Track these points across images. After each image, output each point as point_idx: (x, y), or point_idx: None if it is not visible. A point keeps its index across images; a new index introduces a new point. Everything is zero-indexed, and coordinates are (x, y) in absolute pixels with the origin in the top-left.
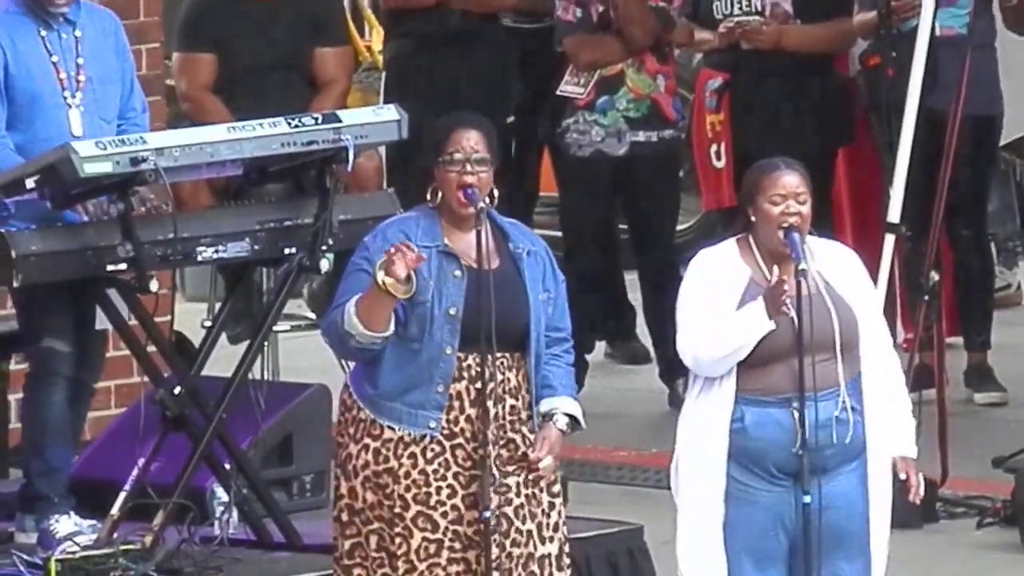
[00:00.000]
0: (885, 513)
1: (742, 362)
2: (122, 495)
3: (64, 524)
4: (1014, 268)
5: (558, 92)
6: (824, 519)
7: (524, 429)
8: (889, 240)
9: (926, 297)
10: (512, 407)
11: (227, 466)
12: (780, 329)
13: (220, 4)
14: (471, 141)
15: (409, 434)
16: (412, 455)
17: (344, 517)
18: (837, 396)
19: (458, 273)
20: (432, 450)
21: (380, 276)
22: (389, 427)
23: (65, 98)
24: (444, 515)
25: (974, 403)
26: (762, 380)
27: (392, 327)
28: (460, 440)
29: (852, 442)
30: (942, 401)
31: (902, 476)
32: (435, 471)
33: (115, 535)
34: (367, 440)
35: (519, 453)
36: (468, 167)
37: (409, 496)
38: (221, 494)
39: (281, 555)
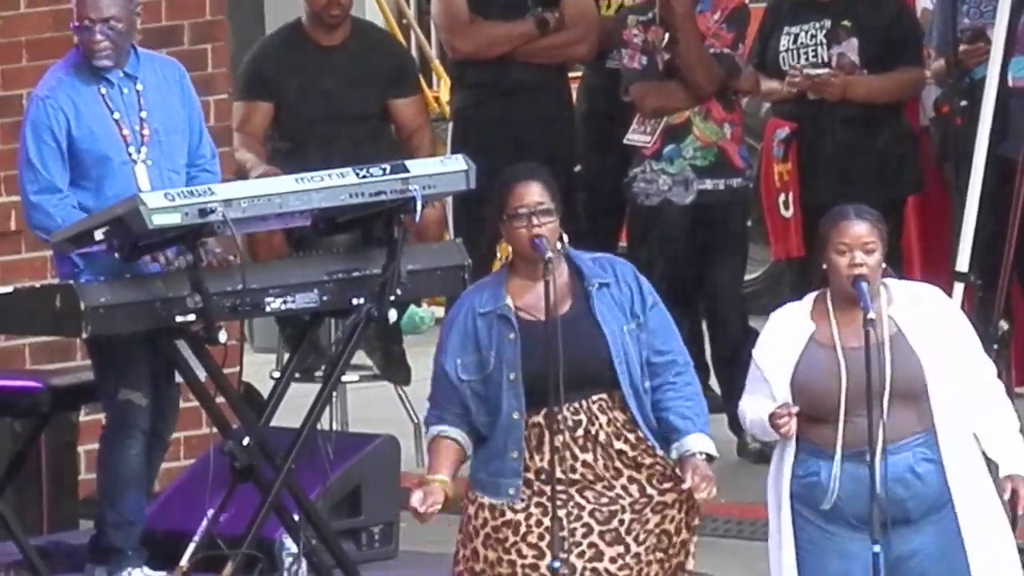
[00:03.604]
0: (993, 558)
1: (808, 417)
2: (191, 546)
3: None
4: None
5: (625, 141)
6: (914, 567)
7: (649, 459)
8: (958, 289)
9: (995, 346)
10: (639, 438)
11: (296, 517)
12: (832, 383)
13: (286, 52)
14: (533, 195)
15: (515, 502)
16: (535, 504)
17: None
18: (905, 448)
19: (512, 336)
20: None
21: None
22: (481, 496)
23: (130, 154)
24: (581, 555)
25: None
26: (829, 434)
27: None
28: (583, 483)
29: (929, 494)
30: None
31: (1006, 495)
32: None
33: None
34: (480, 502)
35: (662, 473)
36: (534, 220)
37: (532, 544)
38: (290, 545)
39: None
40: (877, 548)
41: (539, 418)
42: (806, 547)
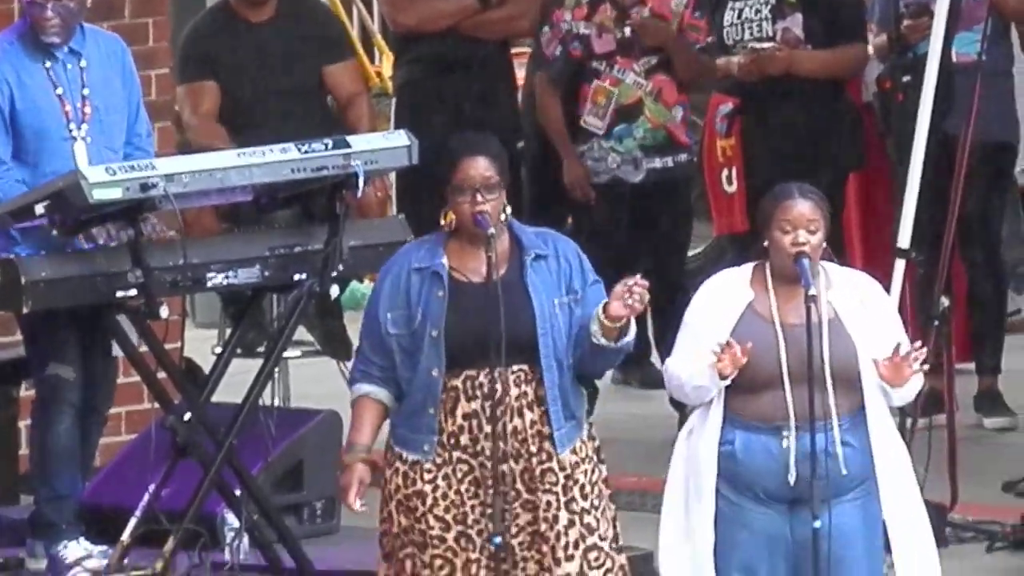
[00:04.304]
0: (916, 540)
1: (735, 387)
2: (133, 521)
3: (73, 550)
4: None
5: (581, 124)
6: (819, 546)
7: (547, 444)
8: (899, 265)
9: (936, 322)
10: (532, 421)
11: (237, 492)
12: (768, 358)
13: (217, 31)
14: (480, 168)
15: (430, 458)
16: (443, 476)
17: (385, 542)
18: (828, 429)
19: (440, 294)
20: (461, 469)
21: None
22: (402, 451)
23: (71, 131)
24: (479, 533)
25: (984, 428)
26: (753, 406)
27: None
28: (483, 459)
29: (846, 475)
30: (952, 426)
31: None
32: (465, 490)
33: (125, 561)
34: (397, 464)
35: (543, 468)
36: (479, 196)
37: (439, 517)
38: (232, 520)
39: None
40: (818, 523)
41: (457, 382)
42: (716, 517)
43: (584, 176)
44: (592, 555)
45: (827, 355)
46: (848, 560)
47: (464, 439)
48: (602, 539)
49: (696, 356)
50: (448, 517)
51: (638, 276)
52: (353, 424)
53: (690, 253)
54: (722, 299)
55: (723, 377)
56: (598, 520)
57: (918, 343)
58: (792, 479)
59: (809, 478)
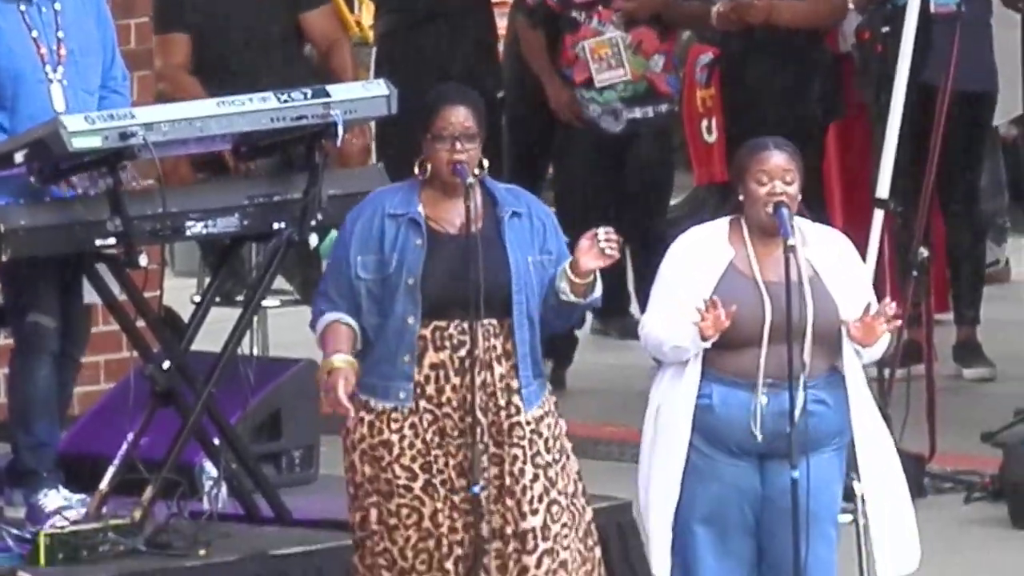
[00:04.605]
0: (893, 496)
1: (714, 344)
2: (111, 470)
3: (53, 498)
4: (1003, 244)
5: (597, 84)
6: (787, 500)
7: (515, 398)
8: (878, 216)
9: (915, 273)
10: (501, 375)
11: (216, 441)
12: (751, 316)
13: None
14: (459, 117)
15: (395, 407)
16: (409, 425)
17: (351, 490)
18: (811, 386)
19: (419, 242)
20: (426, 419)
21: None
22: (370, 400)
23: (47, 73)
24: (443, 483)
25: (962, 379)
26: (732, 361)
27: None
28: (448, 409)
29: (818, 432)
30: (930, 377)
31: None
32: (430, 440)
33: (104, 509)
34: (362, 413)
35: (510, 422)
36: (457, 144)
37: (405, 466)
38: (210, 469)
39: (270, 529)
40: (796, 474)
41: (426, 331)
42: (687, 469)
43: (570, 100)
44: (554, 508)
45: (810, 313)
46: (817, 512)
47: (430, 389)
48: (560, 493)
49: (674, 314)
50: (415, 466)
51: (604, 228)
52: (328, 344)
53: (671, 203)
54: (701, 256)
55: (704, 339)
56: (558, 474)
57: (887, 299)
58: (763, 435)
59: (784, 433)
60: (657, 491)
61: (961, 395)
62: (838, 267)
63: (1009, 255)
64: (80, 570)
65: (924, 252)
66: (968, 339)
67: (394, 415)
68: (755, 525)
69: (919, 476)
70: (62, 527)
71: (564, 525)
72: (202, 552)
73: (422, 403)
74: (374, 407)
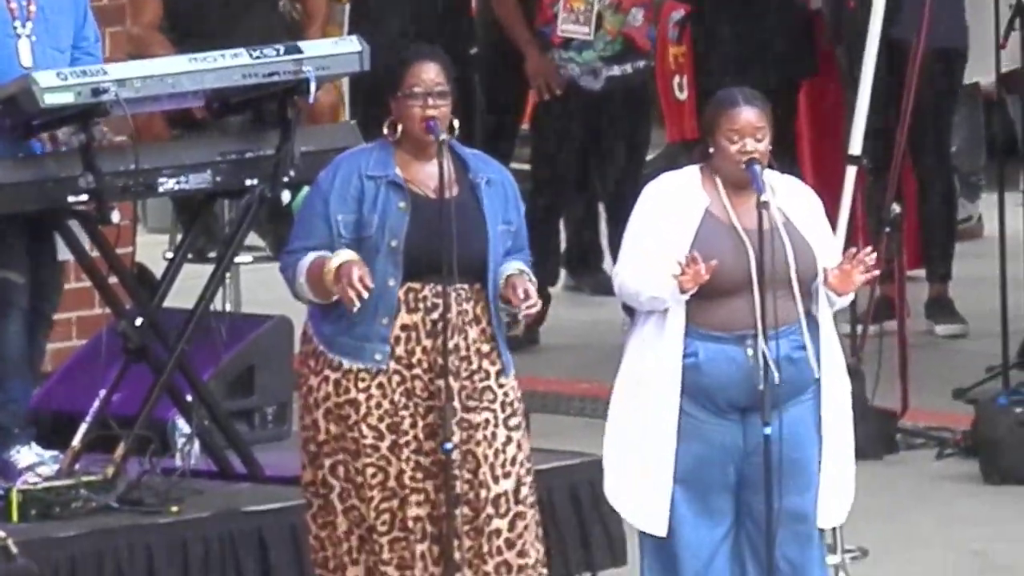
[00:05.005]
0: (843, 444)
1: (694, 297)
2: (83, 426)
3: (25, 455)
4: (976, 200)
5: (559, 33)
6: (773, 452)
7: (486, 362)
8: (851, 172)
9: (887, 229)
10: (473, 339)
11: (188, 398)
12: (734, 264)
13: None
14: (431, 74)
15: (382, 367)
16: (376, 385)
17: (311, 449)
18: (791, 333)
19: (402, 205)
20: (394, 380)
21: (331, 285)
22: (340, 361)
23: (15, 28)
24: (407, 444)
25: (935, 335)
26: (716, 315)
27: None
28: (418, 371)
29: (802, 378)
30: (903, 333)
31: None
32: (398, 400)
33: (76, 466)
34: (327, 372)
35: (481, 386)
36: (429, 100)
37: (372, 426)
38: (183, 425)
39: (242, 486)
40: (768, 430)
41: (400, 293)
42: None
43: (548, 67)
44: (522, 471)
45: (791, 258)
46: (801, 461)
47: (400, 350)
48: (526, 457)
49: (649, 263)
50: (382, 426)
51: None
52: (319, 264)
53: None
54: (675, 203)
55: (683, 292)
56: (523, 437)
57: (868, 248)
58: (760, 386)
59: (773, 383)
60: (649, 453)
61: (933, 351)
62: (808, 217)
63: (982, 212)
64: (52, 526)
65: (896, 208)
66: (940, 295)
67: (361, 375)
68: (736, 483)
69: (891, 432)
70: (34, 483)
71: (529, 487)
72: (174, 509)
73: (391, 363)
74: (339, 365)
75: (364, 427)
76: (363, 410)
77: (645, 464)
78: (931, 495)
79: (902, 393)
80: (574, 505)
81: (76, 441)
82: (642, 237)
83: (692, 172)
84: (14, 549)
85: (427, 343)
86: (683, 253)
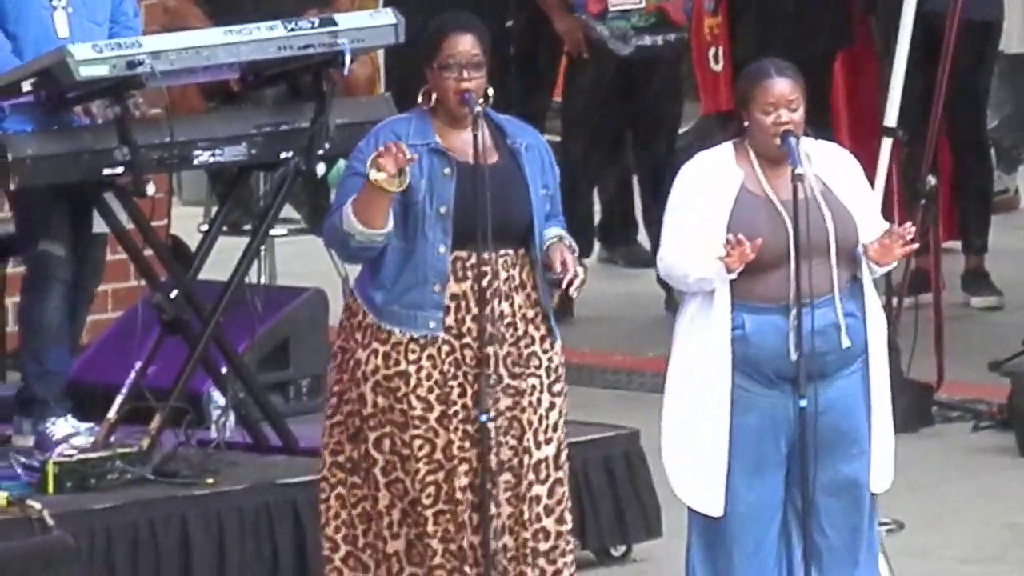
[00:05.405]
0: (887, 413)
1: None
2: (119, 398)
3: (61, 427)
4: (1013, 173)
5: (611, 8)
6: (823, 422)
7: (531, 328)
8: (886, 144)
9: (923, 201)
10: (519, 305)
11: (224, 370)
12: (774, 236)
13: None
14: (466, 45)
15: (413, 337)
16: (427, 356)
17: (354, 424)
18: (832, 302)
19: (448, 171)
20: (443, 350)
21: (372, 174)
22: (391, 331)
23: (51, 0)
24: (455, 414)
25: (970, 307)
26: (759, 287)
27: (391, 223)
28: (468, 340)
29: (851, 347)
30: (938, 305)
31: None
32: (447, 371)
33: (112, 438)
34: (376, 345)
35: (527, 352)
36: (464, 73)
37: (422, 397)
38: (218, 398)
39: (277, 458)
40: (804, 403)
41: (473, 259)
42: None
43: (577, 27)
44: (562, 437)
45: (831, 227)
46: (852, 430)
47: (450, 320)
48: (566, 423)
49: (692, 244)
50: (431, 397)
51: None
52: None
53: (678, 132)
54: (712, 181)
55: (730, 272)
56: (564, 405)
57: (908, 224)
58: (804, 354)
59: (820, 352)
60: (704, 433)
61: (969, 324)
62: (846, 182)
63: (1019, 183)
64: (88, 498)
65: (932, 180)
66: (976, 267)
67: (411, 346)
68: (787, 456)
69: (927, 405)
70: (70, 455)
71: (567, 455)
72: (209, 481)
73: (440, 334)
74: (389, 337)
75: (413, 399)
76: (413, 381)
77: (701, 445)
78: (966, 468)
79: (937, 366)
80: (609, 478)
81: (112, 413)
82: (682, 218)
83: (726, 148)
84: (50, 521)
85: (476, 311)
86: (722, 232)
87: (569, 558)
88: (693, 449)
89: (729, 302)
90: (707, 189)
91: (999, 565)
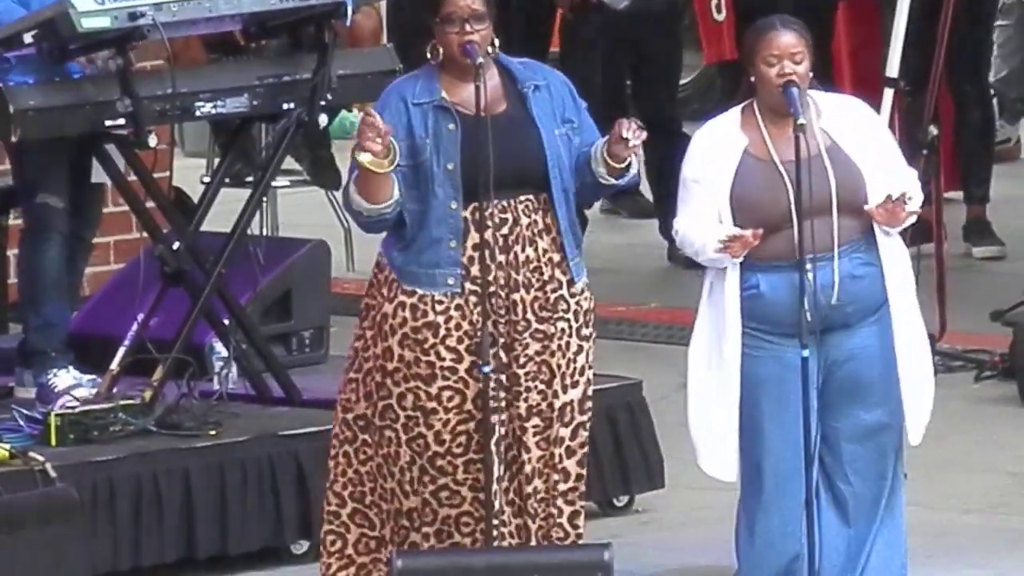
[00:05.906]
0: (917, 360)
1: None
2: (121, 350)
3: (63, 378)
4: (1016, 124)
5: None
6: (844, 371)
7: (558, 272)
8: (888, 94)
9: (925, 152)
10: (544, 249)
11: (226, 321)
12: (773, 199)
13: None
14: (468, 0)
15: (457, 291)
16: (455, 307)
17: (376, 379)
18: (852, 252)
19: (452, 127)
20: (471, 300)
21: (359, 156)
22: (415, 289)
23: None
24: (487, 363)
25: (972, 257)
26: (769, 247)
27: (396, 193)
28: (495, 288)
29: (868, 298)
30: (940, 256)
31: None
32: (477, 321)
33: (115, 390)
34: (402, 298)
35: (554, 296)
36: (467, 26)
37: (451, 348)
38: (220, 349)
39: (280, 410)
40: (806, 353)
41: (466, 213)
42: (743, 352)
43: None
44: (588, 381)
45: (832, 183)
46: (867, 382)
47: (475, 270)
48: (591, 367)
49: (703, 217)
50: (461, 348)
51: (629, 122)
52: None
53: (680, 82)
54: (717, 149)
55: (735, 258)
56: (591, 349)
57: (905, 193)
58: (827, 303)
59: (834, 304)
60: (718, 400)
61: (971, 274)
62: (855, 134)
63: (1020, 133)
64: (90, 450)
65: (933, 130)
66: (978, 217)
67: (439, 298)
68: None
69: (929, 355)
70: (72, 407)
71: (591, 399)
72: (212, 432)
73: (467, 285)
74: (417, 292)
75: (442, 349)
76: (442, 332)
77: (717, 411)
78: (969, 418)
79: (940, 316)
80: (611, 428)
81: (114, 365)
82: (690, 190)
83: (733, 113)
84: (52, 473)
85: (501, 259)
86: (725, 200)
87: (582, 503)
88: (711, 415)
89: (738, 270)
90: (714, 157)
91: (1001, 514)
